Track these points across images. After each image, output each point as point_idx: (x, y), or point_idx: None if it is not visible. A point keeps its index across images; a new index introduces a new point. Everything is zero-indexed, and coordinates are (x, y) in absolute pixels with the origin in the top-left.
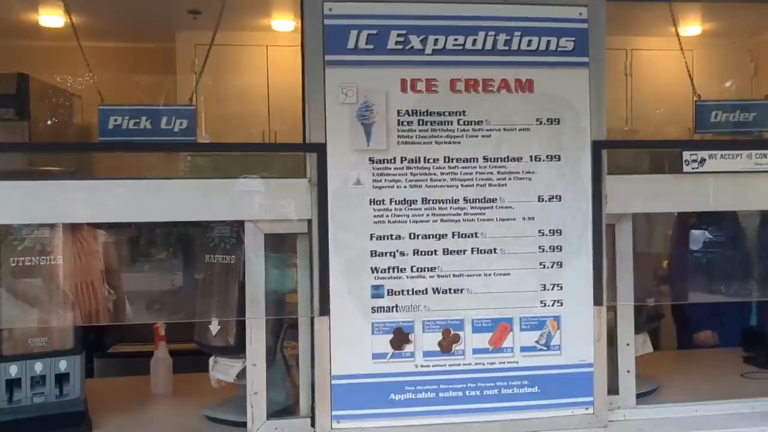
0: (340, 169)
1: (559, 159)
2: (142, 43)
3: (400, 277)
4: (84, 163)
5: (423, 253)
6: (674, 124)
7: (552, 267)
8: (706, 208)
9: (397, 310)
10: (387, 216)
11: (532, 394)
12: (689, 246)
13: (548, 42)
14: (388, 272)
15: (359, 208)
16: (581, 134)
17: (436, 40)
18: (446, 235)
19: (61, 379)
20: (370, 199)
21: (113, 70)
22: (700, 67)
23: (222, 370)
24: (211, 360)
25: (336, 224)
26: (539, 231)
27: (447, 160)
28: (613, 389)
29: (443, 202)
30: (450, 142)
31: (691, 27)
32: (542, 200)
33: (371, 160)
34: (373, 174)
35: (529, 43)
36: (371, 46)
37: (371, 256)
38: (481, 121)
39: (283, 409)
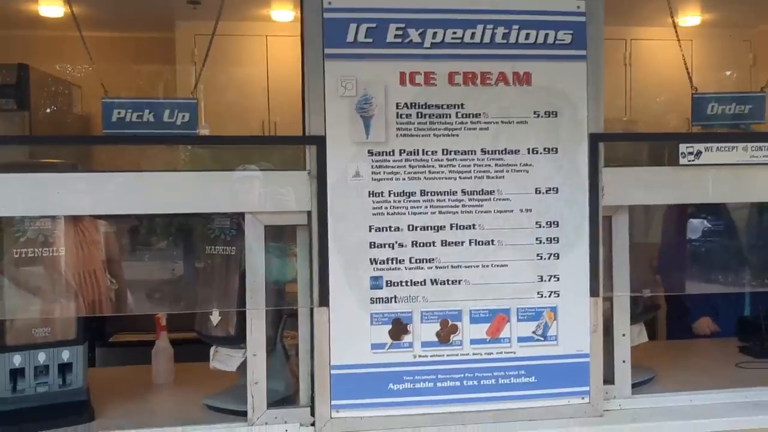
0: (340, 162)
1: (557, 151)
2: (141, 33)
3: (398, 269)
4: (85, 154)
5: (421, 244)
6: (674, 113)
7: (549, 258)
8: (703, 200)
9: (395, 301)
10: (386, 208)
11: (528, 384)
12: (681, 236)
13: (546, 35)
14: (387, 263)
15: (358, 200)
16: (578, 127)
17: (434, 34)
18: (444, 226)
19: (64, 368)
20: (369, 191)
21: (113, 60)
22: (699, 57)
23: (222, 359)
24: (212, 350)
25: (335, 216)
26: (536, 223)
27: (445, 153)
28: (609, 379)
29: (441, 194)
30: (448, 135)
31: (690, 17)
32: (539, 192)
33: (370, 152)
34: (372, 166)
35: (527, 36)
36: (370, 40)
37: (370, 247)
38: (479, 114)
39: (283, 398)
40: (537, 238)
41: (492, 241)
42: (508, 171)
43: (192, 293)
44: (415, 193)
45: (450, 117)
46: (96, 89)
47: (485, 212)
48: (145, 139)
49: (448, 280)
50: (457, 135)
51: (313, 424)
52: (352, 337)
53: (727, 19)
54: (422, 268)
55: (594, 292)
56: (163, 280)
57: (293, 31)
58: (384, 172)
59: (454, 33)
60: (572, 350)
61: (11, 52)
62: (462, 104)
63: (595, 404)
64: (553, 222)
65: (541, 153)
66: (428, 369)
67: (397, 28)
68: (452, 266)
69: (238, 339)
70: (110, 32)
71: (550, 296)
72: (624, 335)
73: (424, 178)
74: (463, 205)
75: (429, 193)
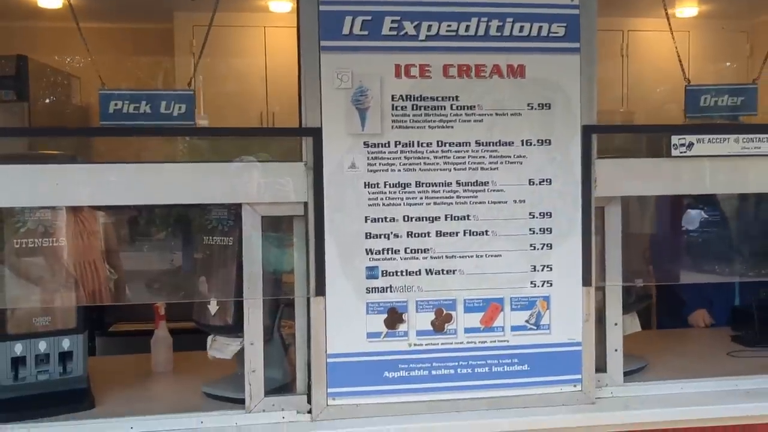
0: (336, 153)
1: (550, 143)
2: (140, 24)
3: (394, 259)
4: (83, 145)
5: (416, 235)
6: (673, 103)
7: (542, 249)
8: (694, 192)
9: (391, 291)
10: (381, 199)
11: (521, 372)
12: (674, 226)
13: (540, 28)
14: (383, 254)
15: (354, 191)
16: (572, 119)
17: (429, 27)
18: (439, 217)
19: (65, 357)
20: (365, 183)
21: (112, 51)
22: (697, 48)
23: (220, 348)
24: (210, 338)
25: (331, 207)
26: (530, 213)
27: (440, 144)
28: (601, 367)
29: (436, 186)
30: (443, 127)
31: (688, 8)
32: (533, 183)
33: (366, 144)
34: (368, 158)
35: (521, 29)
36: (366, 32)
37: (366, 238)
38: (474, 106)
39: (280, 386)
40: (530, 229)
41: (486, 231)
42: (502, 162)
43: (190, 283)
44: (410, 184)
45: (445, 109)
46: (95, 80)
47: (479, 203)
48: (143, 131)
49: (442, 270)
50: (452, 127)
51: (309, 412)
52: (348, 326)
53: (724, 11)
54: (417, 258)
55: (586, 282)
56: (161, 270)
57: (291, 22)
58: (379, 164)
59: (449, 26)
60: (565, 339)
61: (10, 43)
62: (457, 96)
63: (587, 392)
64: (547, 213)
65: (534, 145)
66: (423, 357)
67: (393, 21)
68: (447, 256)
69: (235, 328)
70: (109, 23)
71: (543, 286)
72: (616, 324)
73: (419, 169)
74: (458, 196)
75: (424, 184)
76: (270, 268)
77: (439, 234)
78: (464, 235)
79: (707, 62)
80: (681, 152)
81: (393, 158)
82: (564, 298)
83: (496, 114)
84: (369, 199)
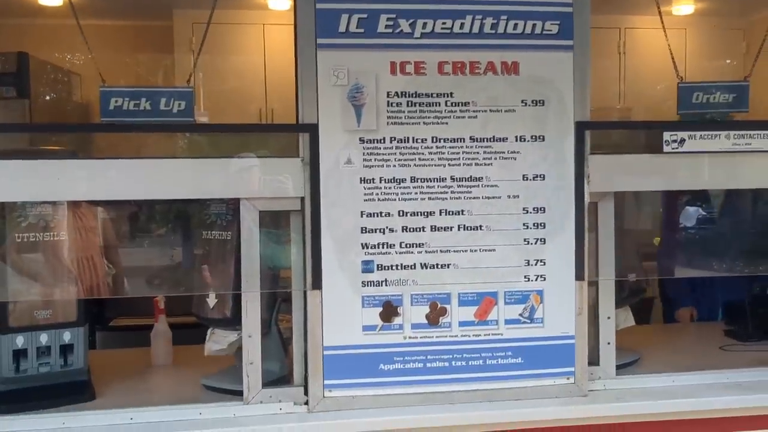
0: (332, 149)
1: (544, 139)
2: (140, 21)
3: (389, 253)
4: (84, 141)
5: (411, 229)
6: (669, 101)
7: (536, 243)
8: (686, 187)
9: (386, 284)
10: (377, 194)
11: (515, 365)
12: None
13: (534, 25)
14: (378, 248)
15: (350, 186)
16: (565, 115)
17: (424, 24)
18: (434, 212)
19: (66, 349)
20: (361, 178)
21: (112, 48)
22: (693, 46)
23: (218, 341)
24: (209, 331)
25: (328, 202)
26: (523, 209)
27: (435, 140)
28: (594, 361)
29: (431, 181)
30: (438, 123)
31: (684, 6)
32: (527, 179)
33: (362, 140)
34: (364, 153)
35: (515, 26)
36: (362, 30)
37: (362, 232)
38: (468, 103)
39: (278, 378)
40: (524, 224)
41: (480, 226)
42: (496, 158)
43: (189, 277)
44: (405, 179)
45: (439, 105)
46: (95, 77)
47: (474, 198)
48: (142, 127)
49: (437, 264)
50: (447, 123)
51: (306, 403)
52: (344, 319)
53: (720, 9)
54: (412, 252)
55: (579, 276)
56: (160, 264)
57: (290, 19)
58: (375, 159)
59: (444, 23)
60: (558, 332)
61: (11, 40)
62: (451, 93)
63: (580, 384)
64: (540, 208)
65: (528, 141)
66: (418, 350)
67: (388, 19)
68: (441, 251)
69: (233, 321)
70: (109, 20)
71: (536, 280)
72: (609, 318)
73: (414, 165)
74: (452, 192)
75: (419, 180)
76: (268, 263)
77: (433, 229)
78: (458, 229)
79: (703, 60)
80: (673, 148)
81: (388, 154)
82: (557, 293)
83: (491, 110)
84: (365, 194)
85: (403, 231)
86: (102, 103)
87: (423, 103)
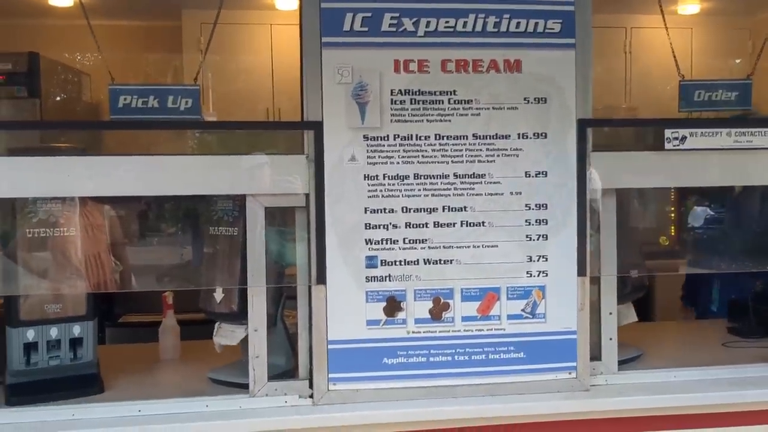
0: (336, 146)
1: (546, 137)
2: (149, 21)
3: (393, 249)
4: (93, 139)
5: (415, 225)
6: (674, 100)
7: (538, 239)
8: (687, 184)
9: (390, 280)
10: (380, 191)
11: (517, 359)
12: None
13: (536, 24)
14: (382, 244)
15: (354, 182)
16: (567, 113)
17: (428, 23)
18: (437, 208)
19: (75, 343)
20: (365, 175)
21: (122, 48)
22: (699, 45)
23: (225, 334)
24: (216, 325)
25: (332, 198)
26: (526, 205)
27: (438, 138)
28: (596, 356)
29: (434, 178)
30: (441, 120)
31: (690, 5)
32: (529, 176)
33: (366, 137)
34: (368, 151)
35: (518, 25)
36: (366, 29)
37: (366, 228)
38: (471, 100)
39: (283, 372)
40: (526, 220)
41: (483, 222)
42: (498, 155)
43: (196, 273)
44: (408, 176)
45: (443, 103)
46: (105, 77)
47: (476, 195)
48: (150, 124)
49: (440, 260)
50: (450, 120)
51: (311, 396)
52: (349, 314)
53: (726, 8)
54: (415, 248)
55: (581, 272)
56: (169, 259)
57: (297, 19)
58: (379, 156)
59: (447, 22)
60: (560, 327)
61: (22, 40)
62: (454, 91)
63: (582, 379)
64: (542, 204)
65: (530, 138)
66: (421, 344)
67: (392, 17)
68: (444, 246)
69: (240, 315)
70: (119, 21)
71: (538, 276)
72: (611, 314)
73: (418, 162)
74: (455, 188)
75: (422, 177)
76: (274, 259)
77: (436, 225)
78: (461, 226)
79: (709, 59)
80: (674, 146)
81: (392, 151)
82: (559, 288)
83: (493, 108)
84: (368, 190)
85: (406, 227)
86: (111, 101)
87: (426, 101)
